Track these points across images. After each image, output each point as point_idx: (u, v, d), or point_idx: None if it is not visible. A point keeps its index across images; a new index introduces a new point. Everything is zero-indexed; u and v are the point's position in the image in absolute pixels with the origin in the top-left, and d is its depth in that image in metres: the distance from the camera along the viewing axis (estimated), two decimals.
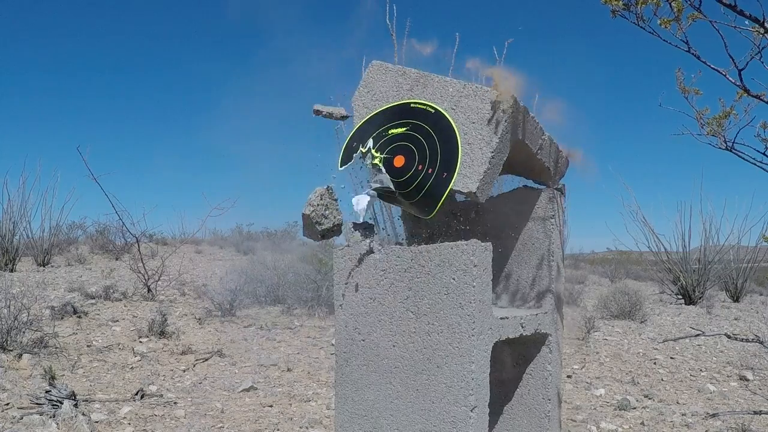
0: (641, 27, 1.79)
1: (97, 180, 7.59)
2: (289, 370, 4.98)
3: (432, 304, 1.99)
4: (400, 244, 2.46)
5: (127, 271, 8.67)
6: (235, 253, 14.08)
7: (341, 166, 2.23)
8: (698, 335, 4.85)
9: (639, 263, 16.47)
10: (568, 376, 5.03)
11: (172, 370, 4.85)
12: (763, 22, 1.69)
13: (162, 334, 5.64)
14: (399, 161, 2.11)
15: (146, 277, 7.44)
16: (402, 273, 2.06)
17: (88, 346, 5.24)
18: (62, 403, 3.58)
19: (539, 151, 2.27)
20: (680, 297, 10.44)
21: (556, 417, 2.44)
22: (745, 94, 1.91)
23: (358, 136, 2.24)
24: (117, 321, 6.07)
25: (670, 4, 1.71)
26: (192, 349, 5.37)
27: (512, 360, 2.49)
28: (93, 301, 6.78)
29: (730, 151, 2.08)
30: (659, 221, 18.28)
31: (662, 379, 5.09)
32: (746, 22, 1.73)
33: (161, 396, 4.22)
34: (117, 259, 10.91)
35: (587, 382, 4.91)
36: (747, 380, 5.03)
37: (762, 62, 1.80)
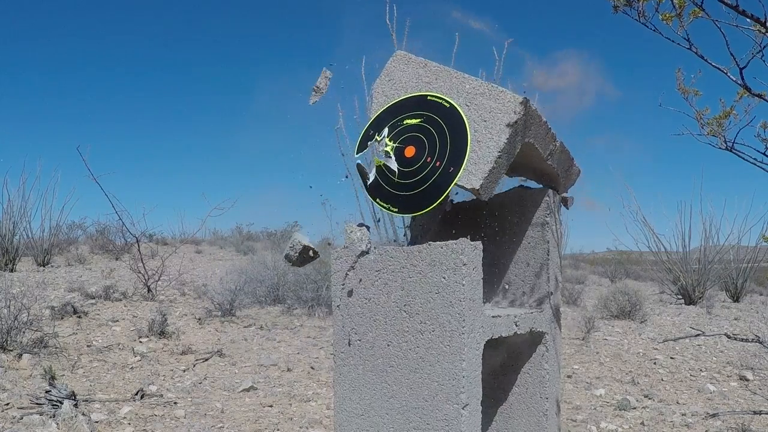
0: (643, 23, 1.79)
1: (97, 180, 7.59)
2: (289, 370, 4.98)
3: (424, 303, 2.01)
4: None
5: (127, 271, 8.67)
6: (235, 253, 14.08)
7: (357, 153, 2.29)
8: (698, 335, 4.84)
9: (639, 263, 16.48)
10: (568, 376, 5.03)
11: (172, 370, 4.84)
12: (765, 21, 1.69)
13: (162, 334, 5.64)
14: (410, 151, 2.15)
15: (146, 277, 7.44)
16: (395, 273, 2.08)
17: (88, 346, 5.24)
18: (62, 403, 3.58)
19: (549, 157, 2.29)
20: (680, 297, 10.44)
21: (555, 416, 2.44)
22: (746, 94, 1.91)
23: (376, 124, 2.30)
24: (117, 321, 6.07)
25: (672, 0, 1.71)
26: (192, 349, 5.37)
27: (509, 358, 2.49)
28: (93, 301, 6.78)
29: (731, 151, 2.08)
30: (659, 221, 18.28)
31: (662, 379, 5.09)
32: (748, 21, 1.73)
33: (161, 396, 4.21)
34: (117, 259, 10.91)
35: (587, 382, 4.90)
36: (747, 380, 5.03)
37: (763, 61, 1.80)
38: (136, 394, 4.14)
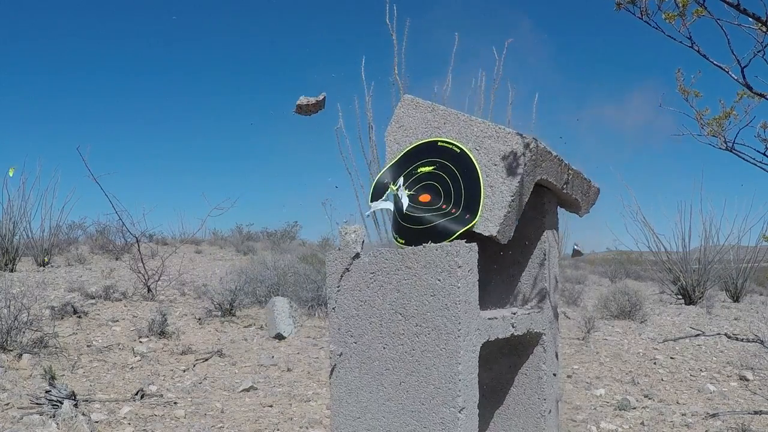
0: (645, 21, 1.78)
1: (97, 180, 7.59)
2: (289, 370, 4.98)
3: (419, 305, 2.00)
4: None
5: (127, 271, 8.66)
6: (235, 253, 14.08)
7: (371, 202, 2.33)
8: (698, 335, 4.85)
9: (639, 263, 16.47)
10: (568, 376, 5.03)
11: (172, 370, 4.84)
12: (766, 20, 1.69)
13: (162, 334, 5.64)
14: (425, 198, 2.18)
15: (146, 277, 7.44)
16: (390, 275, 2.07)
17: (88, 346, 5.23)
18: (62, 403, 3.58)
19: (565, 186, 2.33)
20: (680, 297, 10.44)
21: (554, 417, 2.44)
22: (746, 94, 1.91)
23: (389, 173, 2.33)
24: (117, 321, 6.06)
25: None
26: (192, 349, 5.37)
27: (507, 360, 2.49)
28: (93, 301, 6.78)
29: (731, 151, 2.08)
30: (659, 221, 18.26)
31: (662, 379, 5.08)
32: (749, 20, 1.73)
33: (161, 396, 4.21)
34: (117, 259, 10.91)
35: (587, 382, 4.90)
36: (747, 380, 5.03)
37: (764, 60, 1.79)
38: (136, 394, 4.14)
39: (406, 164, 2.29)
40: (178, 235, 16.29)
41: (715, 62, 1.83)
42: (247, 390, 4.43)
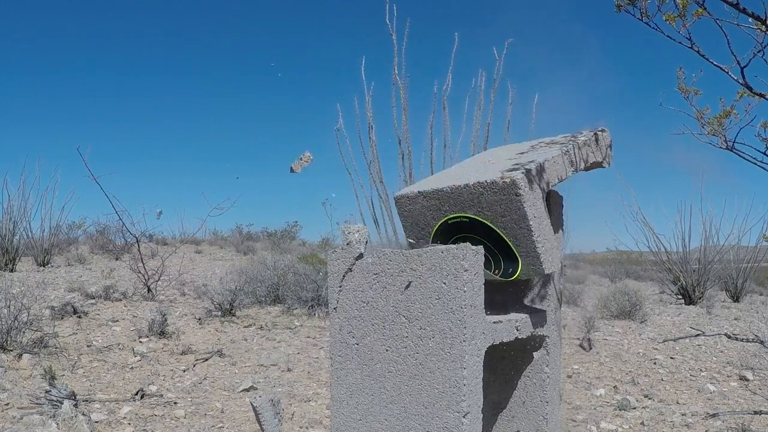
0: (645, 23, 1.78)
1: (97, 180, 7.59)
2: (289, 370, 4.98)
3: (424, 308, 1.98)
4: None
5: (127, 271, 8.66)
6: (235, 253, 14.07)
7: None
8: (698, 335, 4.84)
9: (639, 263, 16.47)
10: (568, 376, 5.03)
11: (172, 370, 4.84)
12: (765, 19, 1.69)
13: (162, 334, 5.63)
14: None
15: (146, 277, 7.44)
16: (394, 277, 2.05)
17: (88, 346, 5.23)
18: (62, 403, 3.58)
19: (584, 166, 2.38)
20: (680, 297, 10.44)
21: (555, 419, 2.44)
22: (747, 93, 1.91)
23: None
24: (117, 321, 6.06)
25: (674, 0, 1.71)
26: (192, 349, 5.36)
27: (510, 362, 2.48)
28: (93, 301, 6.78)
29: (731, 150, 2.08)
30: (659, 221, 18.25)
31: (662, 379, 5.08)
32: (749, 20, 1.73)
33: (161, 396, 4.21)
34: (117, 259, 10.91)
35: (587, 382, 4.90)
36: (747, 380, 5.02)
37: (764, 60, 1.79)
38: (136, 394, 4.14)
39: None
40: (178, 235, 16.30)
41: (715, 63, 1.83)
42: (247, 390, 4.42)
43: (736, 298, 11.27)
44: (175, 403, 4.11)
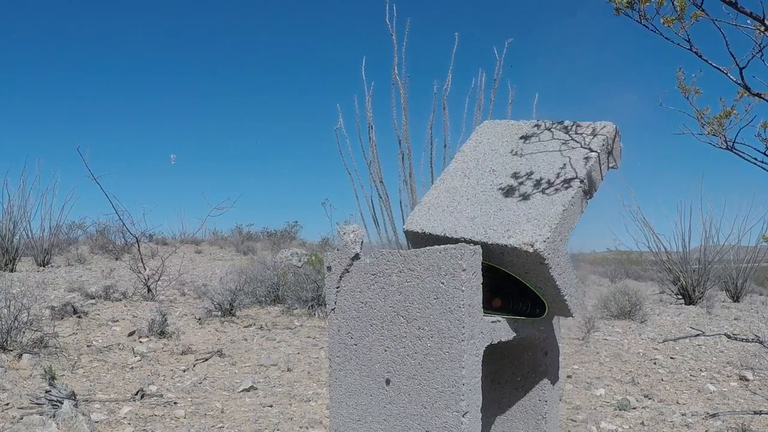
0: (644, 25, 1.78)
1: (97, 180, 7.60)
2: (289, 370, 4.98)
3: (422, 308, 1.97)
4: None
5: (127, 271, 8.67)
6: (235, 253, 14.08)
7: None
8: (698, 335, 4.85)
9: (639, 263, 16.48)
10: (568, 376, 5.03)
11: (172, 370, 4.84)
12: (764, 19, 1.69)
13: (162, 334, 5.64)
14: (497, 302, 2.22)
15: (146, 277, 7.44)
16: (392, 277, 2.04)
17: (88, 346, 5.24)
18: (62, 403, 3.58)
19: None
20: (680, 297, 10.44)
21: (555, 419, 2.44)
22: (746, 94, 1.91)
23: None
24: (117, 321, 6.07)
25: (672, 2, 1.71)
26: (192, 349, 5.37)
27: (508, 362, 2.48)
28: (93, 301, 6.78)
29: (731, 150, 2.08)
30: (659, 221, 18.25)
31: (662, 379, 5.08)
32: (748, 21, 1.73)
33: (161, 396, 4.21)
34: (117, 259, 10.92)
35: (587, 382, 4.90)
36: (747, 380, 5.03)
37: (763, 60, 1.79)
38: (136, 394, 4.14)
39: None
40: (178, 235, 16.32)
41: (713, 64, 1.83)
42: (247, 390, 4.43)
43: (736, 298, 11.28)
44: (175, 403, 4.11)
